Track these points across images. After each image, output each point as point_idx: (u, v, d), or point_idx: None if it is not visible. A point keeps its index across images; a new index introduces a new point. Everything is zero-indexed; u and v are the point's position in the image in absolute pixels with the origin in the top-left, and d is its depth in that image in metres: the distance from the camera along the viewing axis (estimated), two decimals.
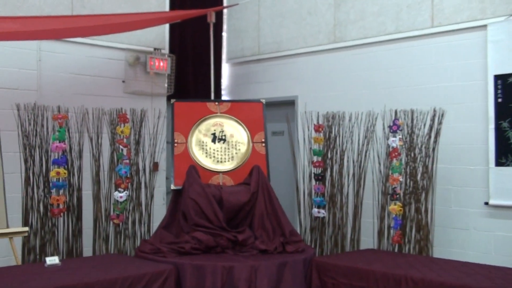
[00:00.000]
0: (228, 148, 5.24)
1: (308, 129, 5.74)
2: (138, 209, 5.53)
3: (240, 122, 5.32)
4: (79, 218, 5.34)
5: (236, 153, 5.23)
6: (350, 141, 5.66)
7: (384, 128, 5.41)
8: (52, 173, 5.14)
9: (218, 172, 5.14)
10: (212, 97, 6.55)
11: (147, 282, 4.08)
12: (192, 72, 7.43)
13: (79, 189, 5.36)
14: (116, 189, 5.37)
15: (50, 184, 5.17)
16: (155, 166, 5.93)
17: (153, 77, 6.91)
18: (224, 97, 7.75)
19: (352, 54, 6.52)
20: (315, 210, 5.61)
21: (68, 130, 5.31)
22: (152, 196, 5.63)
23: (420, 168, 5.24)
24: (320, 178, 5.62)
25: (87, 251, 5.44)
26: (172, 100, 5.35)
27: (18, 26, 5.21)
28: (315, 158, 5.68)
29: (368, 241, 5.69)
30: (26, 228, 4.88)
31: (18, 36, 5.47)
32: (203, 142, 5.21)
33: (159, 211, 6.32)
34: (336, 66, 6.64)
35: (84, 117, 5.42)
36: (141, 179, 5.59)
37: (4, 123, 5.25)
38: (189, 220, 4.76)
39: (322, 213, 5.59)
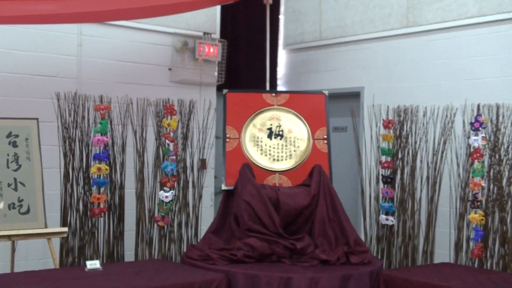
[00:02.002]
0: (286, 145, 5.24)
1: (376, 125, 5.69)
2: (184, 210, 5.60)
3: (299, 116, 5.31)
4: (120, 219, 5.46)
5: (294, 150, 5.23)
6: (424, 139, 5.58)
7: (464, 125, 5.32)
8: (92, 169, 5.27)
9: (274, 172, 5.15)
10: (267, 87, 6.57)
11: None
12: (245, 60, 7.47)
13: (122, 187, 5.48)
14: (161, 188, 5.45)
15: (91, 180, 5.30)
16: (202, 164, 6.02)
17: (202, 65, 6.98)
18: (280, 88, 7.76)
19: (428, 40, 6.43)
20: (382, 217, 5.56)
21: (111, 122, 5.43)
22: (200, 197, 5.70)
23: (506, 172, 5.12)
24: (389, 180, 5.56)
25: (129, 255, 5.56)
26: (224, 91, 5.38)
27: (58, 7, 5.34)
28: (383, 158, 5.62)
29: (443, 254, 5.60)
30: (65, 229, 5.02)
31: (57, 19, 5.62)
32: (258, 137, 5.24)
33: (207, 213, 6.40)
34: (409, 54, 6.56)
35: (128, 108, 5.53)
36: (189, 177, 5.66)
37: (41, 113, 5.39)
38: (241, 224, 4.80)
39: (391, 220, 5.53)
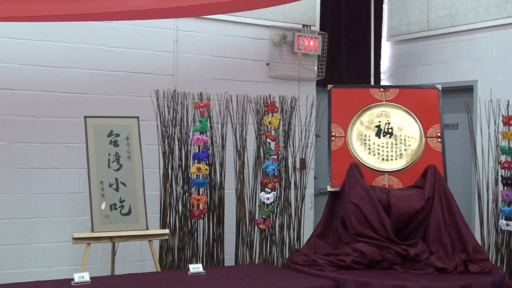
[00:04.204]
0: (396, 144, 5.17)
1: (495, 122, 5.51)
2: (286, 212, 5.63)
3: (410, 112, 5.22)
4: (220, 220, 5.55)
5: (405, 149, 5.15)
6: None
7: None
8: (192, 169, 5.38)
9: (383, 172, 5.09)
10: (372, 81, 6.51)
11: None
12: (346, 53, 7.42)
13: (221, 188, 5.57)
14: (262, 189, 5.50)
15: (190, 181, 5.41)
16: (302, 164, 6.02)
17: (301, 59, 6.99)
18: (384, 82, 7.66)
19: None
20: (502, 222, 5.38)
21: (210, 120, 5.53)
22: (303, 198, 5.71)
23: None
24: (509, 182, 5.37)
25: (229, 258, 5.64)
26: (329, 86, 5.36)
27: (154, 3, 5.50)
28: (503, 158, 5.44)
29: None
30: (166, 231, 5.15)
31: (153, 14, 5.77)
32: (365, 136, 5.19)
33: (307, 215, 6.40)
34: None
35: (228, 105, 5.61)
36: (291, 178, 5.68)
37: (138, 111, 5.53)
38: (349, 228, 4.77)
39: None
